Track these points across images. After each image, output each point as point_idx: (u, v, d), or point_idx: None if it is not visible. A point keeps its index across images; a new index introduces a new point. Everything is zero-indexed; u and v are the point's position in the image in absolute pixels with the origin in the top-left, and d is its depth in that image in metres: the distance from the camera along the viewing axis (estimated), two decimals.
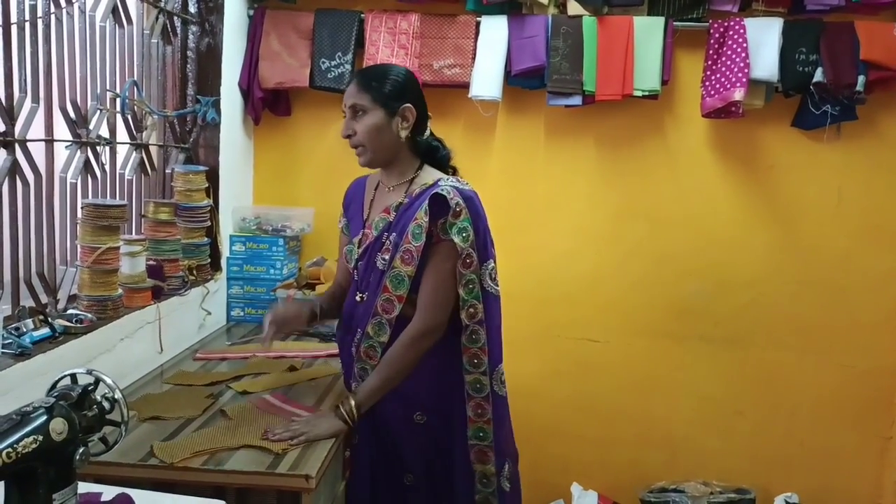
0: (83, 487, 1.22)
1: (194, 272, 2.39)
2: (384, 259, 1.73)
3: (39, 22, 1.80)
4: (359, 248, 1.81)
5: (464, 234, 1.67)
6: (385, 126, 1.72)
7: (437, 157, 1.82)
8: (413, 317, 1.72)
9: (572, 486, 2.76)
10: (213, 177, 2.53)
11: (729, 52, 2.50)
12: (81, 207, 1.92)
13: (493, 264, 1.77)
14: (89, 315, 1.84)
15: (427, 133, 1.80)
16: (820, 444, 2.79)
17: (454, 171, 1.85)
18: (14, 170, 1.74)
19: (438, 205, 1.67)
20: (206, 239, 2.47)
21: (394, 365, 1.71)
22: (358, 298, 1.81)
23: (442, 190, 1.68)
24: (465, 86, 2.60)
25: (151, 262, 2.16)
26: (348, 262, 1.86)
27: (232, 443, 1.60)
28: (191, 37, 2.55)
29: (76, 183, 1.99)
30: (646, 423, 2.84)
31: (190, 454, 1.53)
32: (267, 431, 1.64)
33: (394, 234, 1.73)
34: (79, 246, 1.90)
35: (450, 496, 1.84)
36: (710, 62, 2.56)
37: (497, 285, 1.78)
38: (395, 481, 1.84)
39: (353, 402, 1.69)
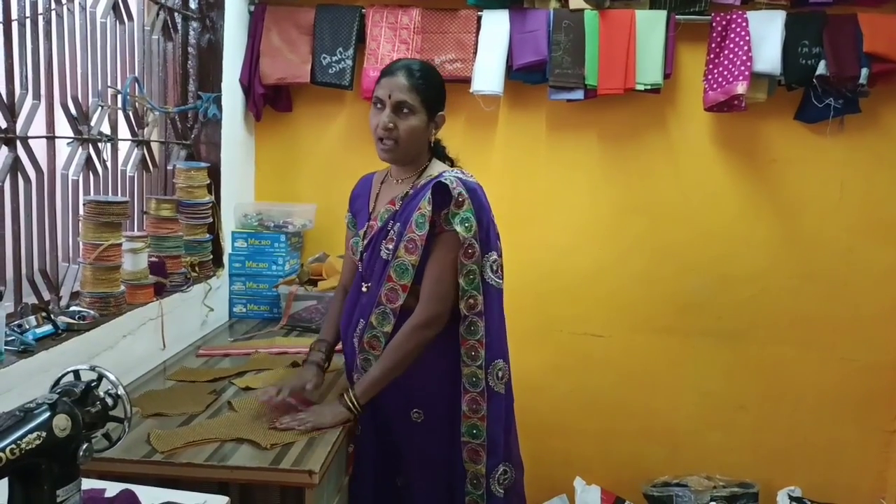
0: (87, 484, 1.22)
1: (196, 269, 2.39)
2: (388, 249, 1.75)
3: (40, 18, 1.80)
4: (364, 239, 1.83)
5: (466, 225, 1.70)
6: (424, 129, 1.76)
7: (441, 153, 1.87)
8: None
9: (575, 481, 2.77)
10: (214, 173, 2.53)
11: (731, 46, 2.49)
12: (83, 204, 1.92)
13: (495, 256, 1.78)
14: (92, 312, 1.84)
15: None
16: (823, 438, 2.79)
17: (452, 162, 1.88)
18: (16, 167, 1.74)
19: (441, 194, 1.70)
20: (207, 235, 2.47)
21: (393, 355, 1.72)
22: (364, 289, 1.82)
23: (445, 179, 1.71)
24: (467, 81, 2.60)
25: (153, 259, 2.16)
26: (354, 253, 1.87)
27: (226, 435, 1.61)
28: (191, 33, 2.54)
29: (78, 180, 1.99)
30: (648, 417, 2.84)
31: (182, 444, 1.54)
32: (275, 422, 1.67)
33: (398, 223, 1.75)
34: (81, 243, 1.90)
35: (445, 499, 1.83)
36: (712, 55, 2.55)
37: (500, 278, 1.80)
38: (390, 481, 1.85)
39: (354, 392, 1.72)
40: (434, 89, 1.77)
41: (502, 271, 1.82)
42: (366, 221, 1.85)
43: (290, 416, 1.69)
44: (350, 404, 1.71)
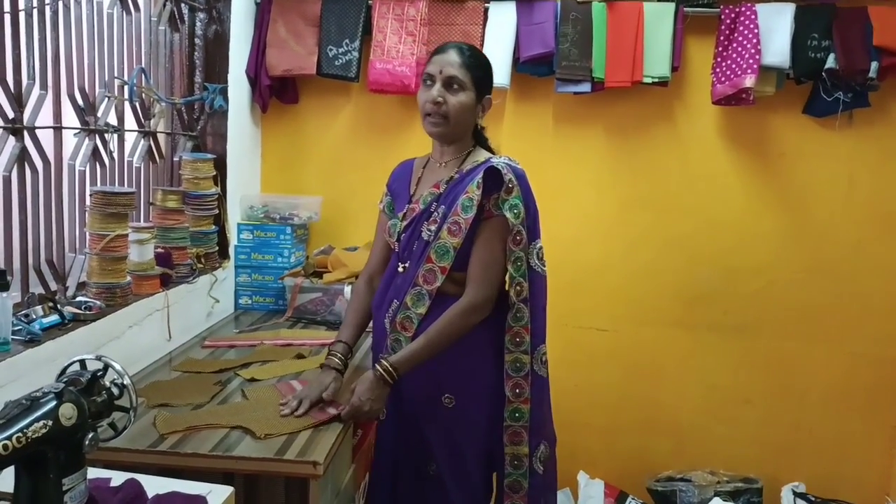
0: (92, 473, 1.23)
1: (202, 260, 2.40)
2: (430, 230, 1.75)
3: (47, 9, 1.80)
4: (403, 221, 1.83)
5: (515, 211, 1.70)
6: (472, 108, 1.77)
7: (484, 142, 1.88)
8: (453, 294, 1.73)
9: (579, 475, 2.77)
10: (220, 165, 2.53)
11: (740, 39, 2.47)
12: (90, 195, 1.92)
13: (540, 244, 1.79)
14: (98, 302, 1.85)
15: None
16: (828, 432, 2.78)
17: (492, 152, 1.89)
18: (23, 157, 1.74)
19: (492, 179, 1.71)
20: (213, 227, 2.47)
21: (440, 334, 1.70)
22: (400, 269, 1.81)
23: (497, 165, 1.72)
24: None
25: (159, 250, 2.17)
26: (391, 235, 1.86)
27: (227, 421, 1.62)
28: (198, 24, 2.54)
29: (84, 170, 1.99)
30: (653, 411, 2.84)
31: (184, 427, 1.57)
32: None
33: (442, 206, 1.76)
34: (87, 233, 1.91)
35: (466, 485, 1.82)
36: (720, 48, 2.53)
37: (544, 265, 1.80)
38: (417, 470, 1.83)
39: (388, 362, 1.68)
40: (483, 70, 1.79)
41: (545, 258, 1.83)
42: (406, 204, 1.85)
43: (343, 403, 1.70)
44: (385, 377, 1.67)
